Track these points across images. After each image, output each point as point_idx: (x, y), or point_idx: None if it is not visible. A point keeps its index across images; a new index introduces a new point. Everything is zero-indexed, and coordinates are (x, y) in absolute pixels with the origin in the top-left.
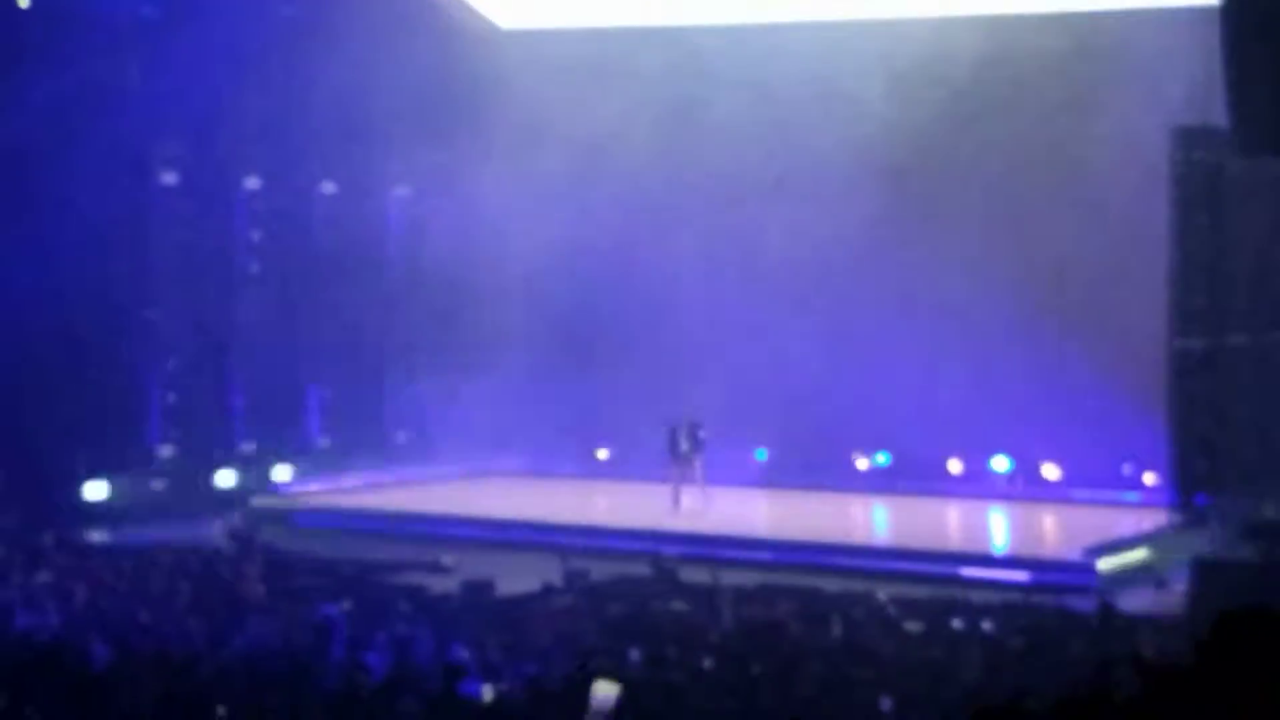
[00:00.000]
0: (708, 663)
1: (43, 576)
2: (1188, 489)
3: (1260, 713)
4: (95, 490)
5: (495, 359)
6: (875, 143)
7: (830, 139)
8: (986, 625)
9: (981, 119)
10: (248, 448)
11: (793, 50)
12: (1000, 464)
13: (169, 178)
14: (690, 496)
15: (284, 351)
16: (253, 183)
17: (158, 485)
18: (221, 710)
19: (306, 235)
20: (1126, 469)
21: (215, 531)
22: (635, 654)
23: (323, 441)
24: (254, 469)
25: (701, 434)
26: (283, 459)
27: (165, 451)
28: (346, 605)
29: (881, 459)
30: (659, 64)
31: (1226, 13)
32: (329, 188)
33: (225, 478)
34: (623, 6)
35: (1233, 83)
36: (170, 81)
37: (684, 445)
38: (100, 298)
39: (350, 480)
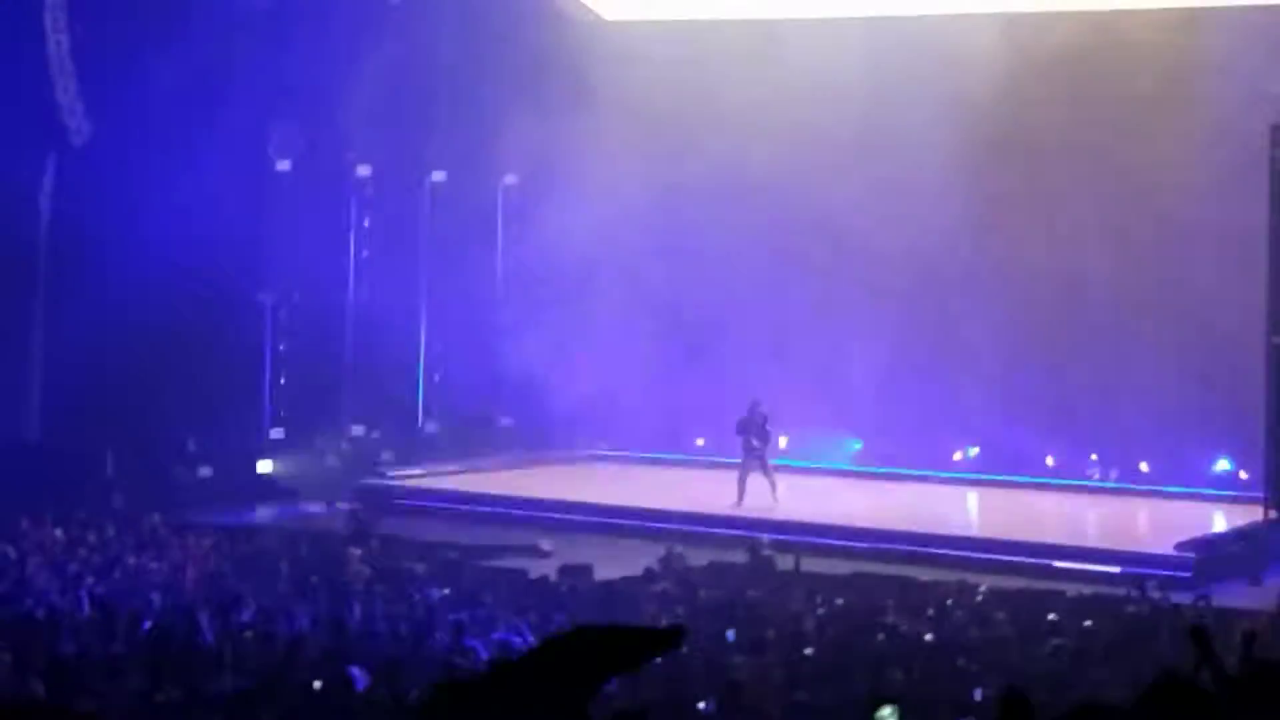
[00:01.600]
0: (807, 650)
1: (151, 557)
2: None
3: None
4: (203, 471)
5: (593, 344)
6: (969, 137)
7: (921, 131)
8: (1079, 618)
9: (1077, 110)
10: (357, 431)
11: (888, 43)
12: (1094, 457)
13: (283, 164)
14: (758, 487)
15: (395, 336)
16: (364, 170)
17: (265, 468)
18: (318, 685)
19: (415, 222)
20: (1222, 465)
21: (325, 513)
22: (731, 636)
23: (430, 426)
24: (361, 452)
25: (769, 426)
26: (391, 444)
27: (276, 434)
28: (449, 590)
29: (972, 452)
30: (752, 55)
31: None
32: (439, 176)
33: (332, 459)
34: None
35: None
36: (284, 68)
37: (753, 437)
38: (214, 281)
39: (452, 465)
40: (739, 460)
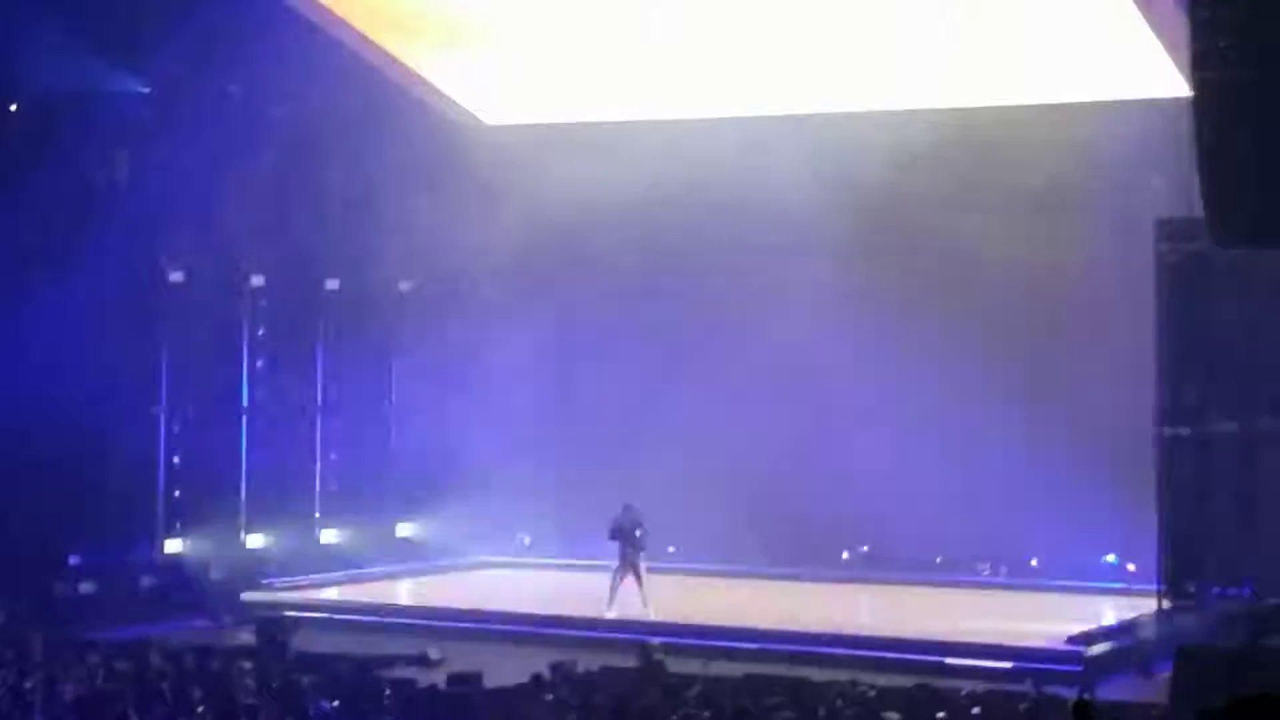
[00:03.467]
0: None
1: (33, 674)
2: (1175, 575)
3: None
4: (87, 586)
5: (488, 452)
6: (850, 236)
7: (801, 231)
8: (971, 713)
9: (960, 211)
10: (254, 543)
11: (767, 140)
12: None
13: (176, 276)
14: (630, 594)
15: (292, 445)
16: (258, 280)
17: (149, 581)
18: None
19: (314, 329)
20: (1110, 558)
21: (212, 627)
22: None
23: (328, 536)
24: (256, 563)
25: (639, 533)
26: (287, 554)
27: (171, 547)
28: (337, 702)
29: (862, 550)
30: (641, 155)
31: (1196, 103)
32: (332, 284)
33: (216, 571)
34: (605, 101)
35: (1204, 175)
36: (172, 181)
37: (626, 543)
38: (105, 395)
39: (339, 574)
40: (613, 566)
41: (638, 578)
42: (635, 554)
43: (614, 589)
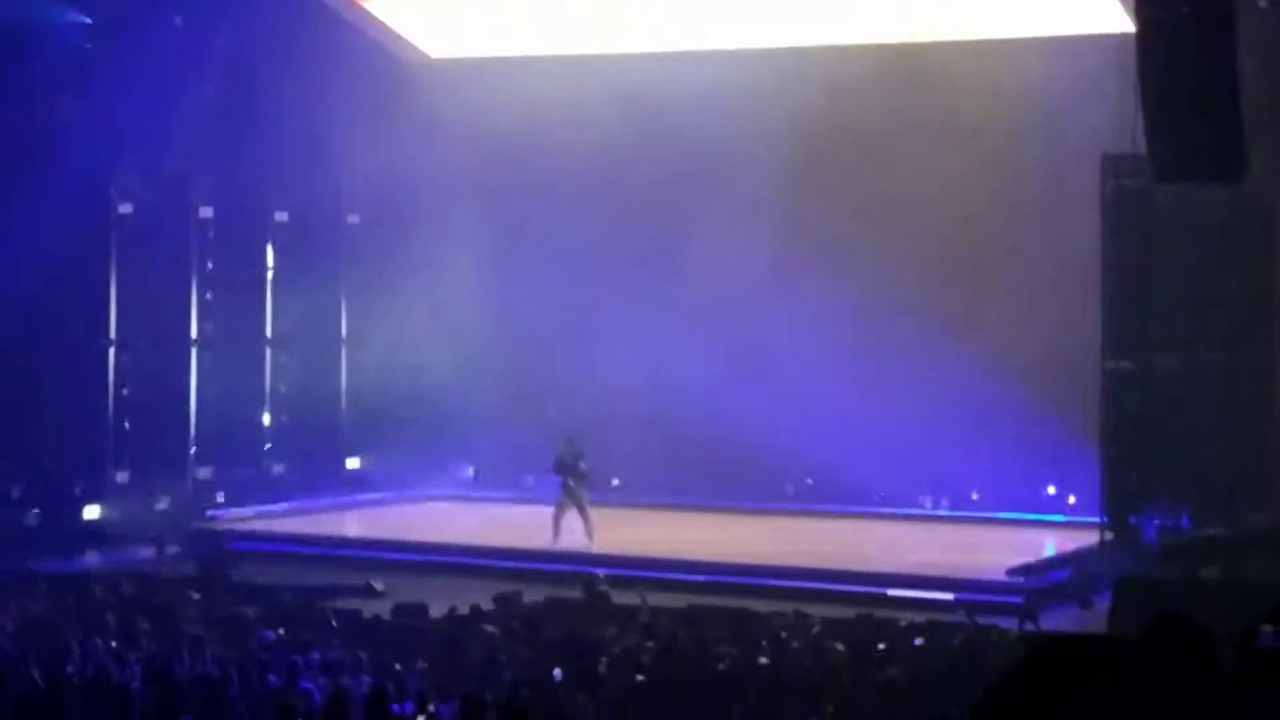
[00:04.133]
0: (640, 681)
1: None
2: (1117, 508)
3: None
4: (32, 517)
5: (439, 383)
6: (801, 169)
7: (755, 163)
8: (913, 643)
9: (908, 143)
10: (203, 474)
11: (716, 76)
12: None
13: (125, 208)
14: (573, 523)
15: (241, 378)
16: (206, 212)
17: (97, 512)
18: None
19: (259, 262)
20: (1051, 490)
21: (155, 559)
22: (560, 674)
23: (277, 468)
24: (202, 495)
25: (581, 466)
26: (233, 486)
27: (121, 478)
28: (281, 631)
29: (806, 483)
30: (582, 88)
31: (1140, 41)
32: (282, 216)
33: (163, 503)
34: (550, 37)
35: (1147, 110)
36: (121, 112)
37: (568, 476)
38: (54, 326)
39: (284, 505)
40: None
41: (581, 510)
42: (578, 487)
43: (557, 521)
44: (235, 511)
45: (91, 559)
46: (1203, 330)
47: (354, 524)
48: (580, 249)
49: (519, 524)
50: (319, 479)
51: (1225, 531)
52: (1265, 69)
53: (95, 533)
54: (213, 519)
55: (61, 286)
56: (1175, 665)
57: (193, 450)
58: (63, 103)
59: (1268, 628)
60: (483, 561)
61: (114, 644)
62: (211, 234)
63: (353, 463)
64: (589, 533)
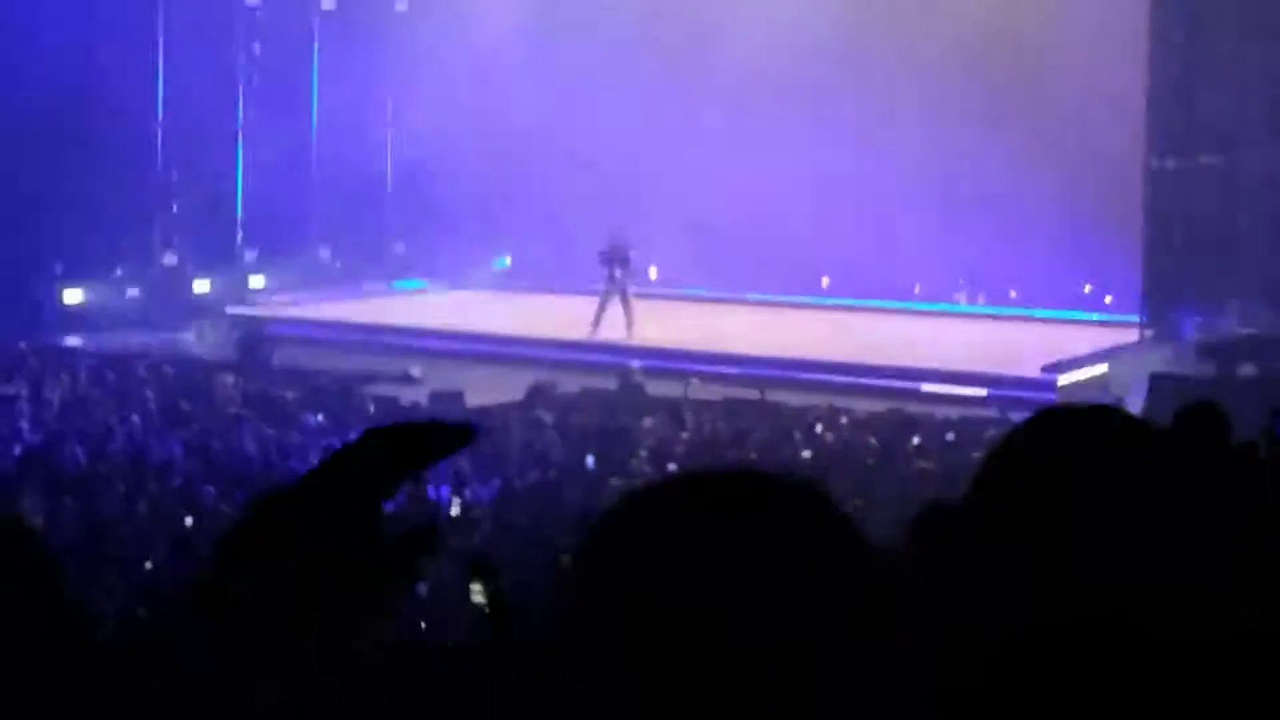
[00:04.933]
0: (670, 469)
1: (19, 384)
2: (1156, 306)
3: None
4: (73, 296)
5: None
6: None
7: None
8: (947, 438)
9: None
10: (250, 257)
11: None
12: (961, 284)
13: None
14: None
15: (287, 168)
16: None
17: (135, 292)
18: (190, 518)
19: (306, 50)
20: (1087, 288)
21: (192, 341)
22: (593, 461)
23: (324, 252)
24: (233, 277)
25: (631, 253)
26: (280, 270)
27: (169, 261)
28: (320, 415)
29: (825, 282)
30: None
31: None
32: (329, 4)
33: (201, 285)
34: None
35: None
36: None
37: (615, 267)
38: (106, 102)
39: (324, 291)
40: (600, 289)
41: (625, 301)
42: (625, 278)
43: (601, 311)
44: (275, 296)
45: (132, 339)
46: (1246, 124)
47: (393, 311)
48: (620, 55)
49: (556, 315)
50: (364, 264)
51: (1263, 330)
52: None
53: (138, 313)
54: (253, 302)
55: (111, 69)
56: (1197, 450)
57: (239, 235)
58: None
59: None
60: (519, 351)
61: (154, 423)
62: (259, 17)
63: (398, 248)
64: (630, 324)
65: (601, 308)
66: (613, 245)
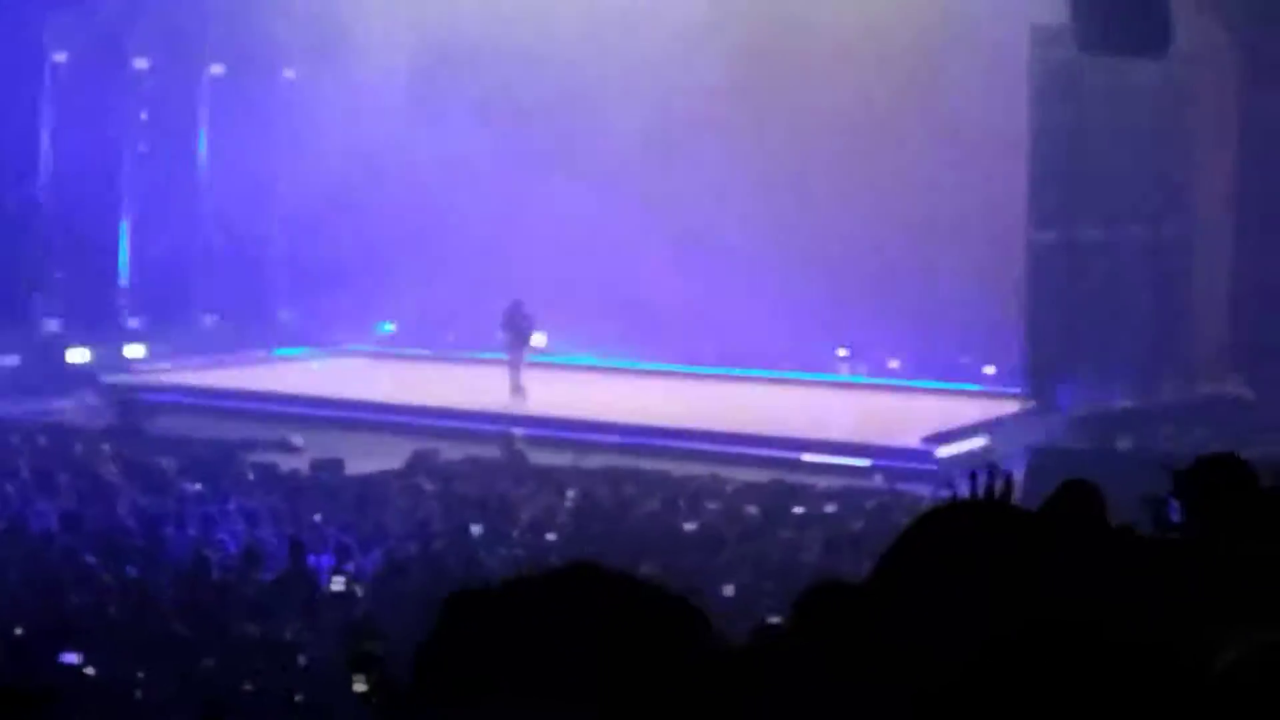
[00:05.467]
0: (551, 538)
1: None
2: (1038, 378)
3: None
4: None
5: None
6: (729, 40)
7: (670, 41)
8: (828, 509)
9: (833, 5)
10: (134, 324)
11: None
12: (842, 353)
13: (59, 56)
14: (519, 381)
15: (172, 232)
16: (142, 63)
17: (13, 360)
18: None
19: (193, 115)
20: (966, 360)
21: (69, 408)
22: (478, 530)
23: (208, 319)
24: (113, 345)
25: (529, 326)
26: (164, 337)
27: (50, 327)
28: (199, 484)
29: (727, 344)
30: None
31: None
32: (217, 69)
33: (79, 354)
34: None
35: None
36: None
37: (512, 331)
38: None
39: (204, 357)
40: (505, 357)
41: (516, 369)
42: (523, 345)
43: (514, 379)
44: (154, 363)
45: (7, 408)
46: (1127, 203)
47: (276, 378)
48: (493, 104)
49: (438, 381)
50: (248, 331)
51: (1141, 403)
52: None
53: (12, 381)
54: (131, 369)
55: None
56: (1075, 530)
57: (122, 302)
58: None
59: (1175, 501)
60: (402, 418)
61: (30, 493)
62: (146, 82)
63: (283, 315)
64: (525, 393)
65: (513, 375)
66: (512, 313)
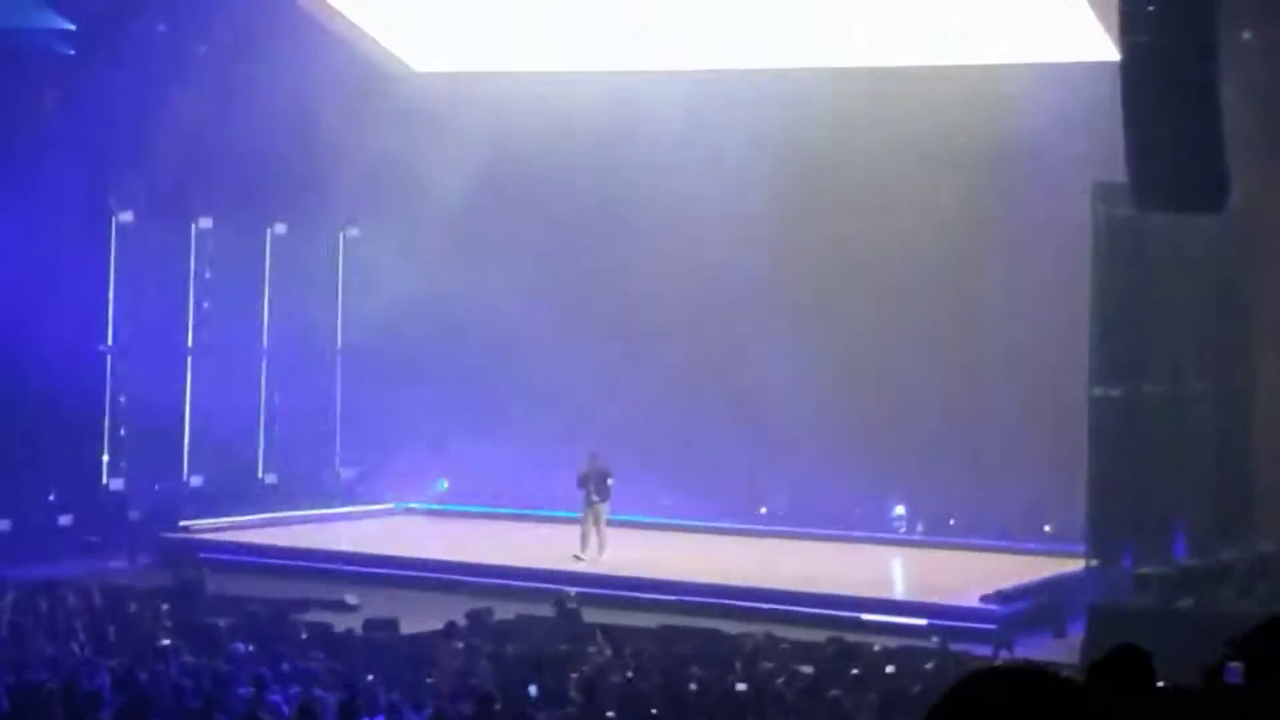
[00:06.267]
0: (609, 705)
1: None
2: (1099, 536)
3: None
4: (3, 524)
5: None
6: (779, 188)
7: (739, 186)
8: (886, 669)
9: (894, 168)
10: (195, 482)
11: (700, 100)
12: (900, 510)
13: (125, 215)
14: (595, 539)
15: (234, 387)
16: (206, 222)
17: (67, 520)
18: None
19: (258, 272)
20: (1030, 519)
21: (126, 568)
22: (533, 690)
23: (269, 478)
24: (166, 503)
25: (610, 480)
26: (222, 495)
27: (115, 486)
28: (252, 644)
29: (783, 502)
30: (570, 105)
31: (1124, 69)
32: (280, 228)
33: (138, 512)
34: (532, 51)
35: (1131, 139)
36: (119, 120)
37: (593, 489)
38: (52, 333)
39: (260, 515)
40: (579, 514)
41: (599, 524)
42: (601, 501)
43: (585, 535)
44: (210, 520)
45: (65, 566)
46: (1188, 358)
47: (329, 536)
48: (555, 262)
49: (492, 539)
50: (306, 488)
51: (1201, 562)
52: (1247, 100)
53: (70, 540)
54: (187, 528)
55: (60, 292)
56: (1121, 698)
57: (185, 459)
58: (49, 109)
59: (1234, 664)
60: (456, 577)
61: (85, 652)
62: (210, 244)
63: (341, 472)
64: (602, 547)
65: (585, 532)
66: (588, 469)
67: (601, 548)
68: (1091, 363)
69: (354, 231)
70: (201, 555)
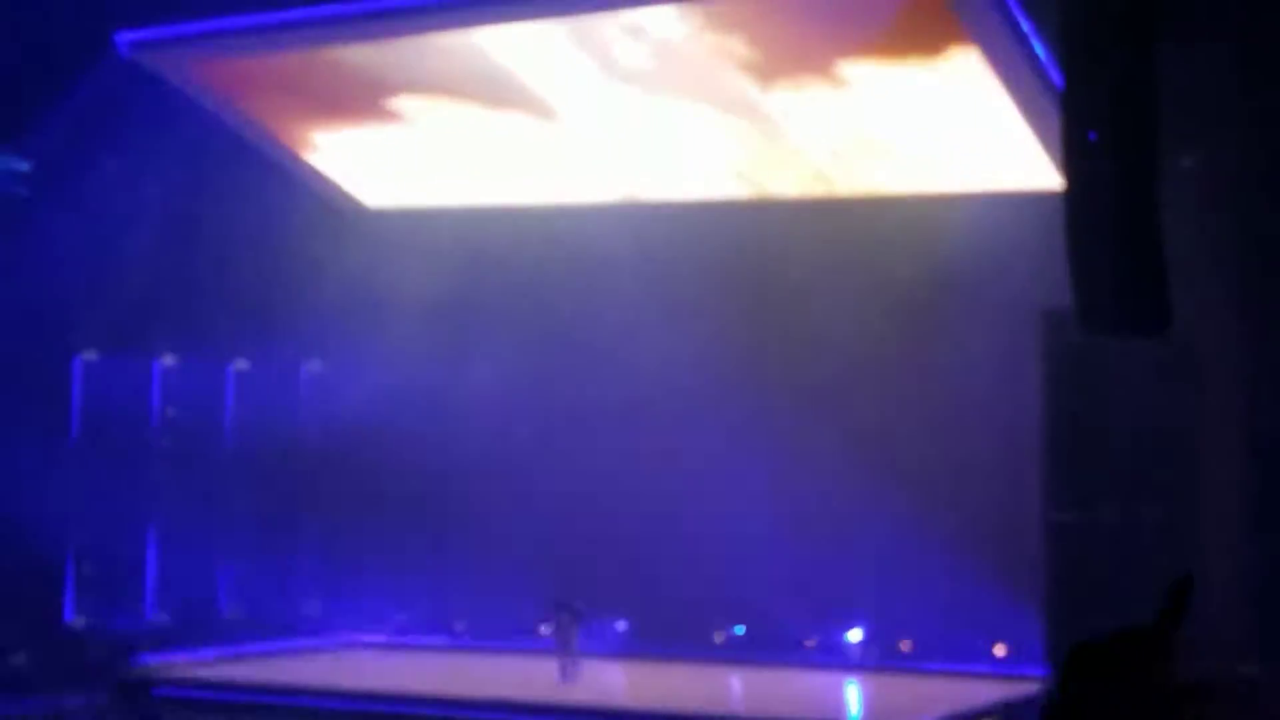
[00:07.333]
0: None
1: None
2: (1054, 659)
3: None
4: None
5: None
6: (731, 321)
7: (683, 316)
8: None
9: (835, 298)
10: (159, 620)
11: (678, 227)
12: (855, 635)
13: (89, 354)
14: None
15: (196, 525)
16: (168, 360)
17: (19, 659)
18: None
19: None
20: (984, 644)
21: (81, 706)
22: None
23: (232, 613)
24: (124, 642)
25: (580, 607)
26: (184, 632)
27: (79, 623)
28: None
29: (738, 630)
30: (519, 239)
31: (1067, 198)
32: (242, 364)
33: (97, 650)
34: (486, 189)
35: (1074, 265)
36: (52, 258)
37: (563, 619)
38: (12, 471)
39: (211, 652)
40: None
41: (572, 654)
42: (571, 627)
43: (562, 663)
44: (164, 658)
45: (12, 707)
46: (1140, 482)
47: (286, 670)
48: (512, 394)
49: (451, 671)
50: (268, 622)
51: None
52: (1185, 225)
53: (19, 680)
54: (143, 665)
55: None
56: None
57: (146, 597)
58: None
59: None
60: (418, 710)
61: None
62: (174, 381)
63: (310, 606)
64: (572, 679)
65: (561, 658)
66: (560, 598)
67: (572, 677)
68: (1045, 488)
69: (314, 366)
70: (157, 692)
